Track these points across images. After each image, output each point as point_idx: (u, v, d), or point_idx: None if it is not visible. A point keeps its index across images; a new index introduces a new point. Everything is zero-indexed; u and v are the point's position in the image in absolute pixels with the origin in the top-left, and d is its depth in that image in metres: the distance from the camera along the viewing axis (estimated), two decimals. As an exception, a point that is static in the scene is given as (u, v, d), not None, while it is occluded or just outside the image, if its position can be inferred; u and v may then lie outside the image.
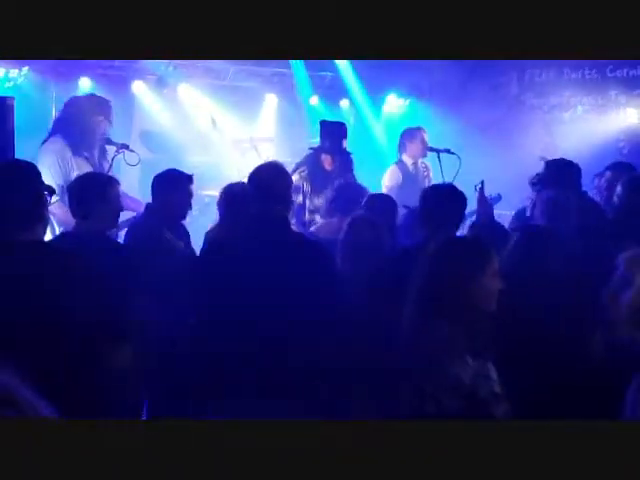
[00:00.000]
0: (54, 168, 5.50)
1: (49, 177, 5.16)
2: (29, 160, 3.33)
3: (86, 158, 5.70)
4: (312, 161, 6.45)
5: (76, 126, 5.70)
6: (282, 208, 3.72)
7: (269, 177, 3.74)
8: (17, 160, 3.55)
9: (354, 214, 4.56)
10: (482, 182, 5.25)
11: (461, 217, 4.22)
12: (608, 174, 5.48)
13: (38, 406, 1.06)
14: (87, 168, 5.47)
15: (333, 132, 6.63)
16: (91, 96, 6.12)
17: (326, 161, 6.49)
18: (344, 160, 6.52)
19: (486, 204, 5.20)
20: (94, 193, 3.96)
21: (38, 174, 3.12)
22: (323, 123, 6.90)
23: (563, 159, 5.30)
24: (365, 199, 5.11)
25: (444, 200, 4.12)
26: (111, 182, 4.18)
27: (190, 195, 4.61)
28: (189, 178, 4.62)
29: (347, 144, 6.60)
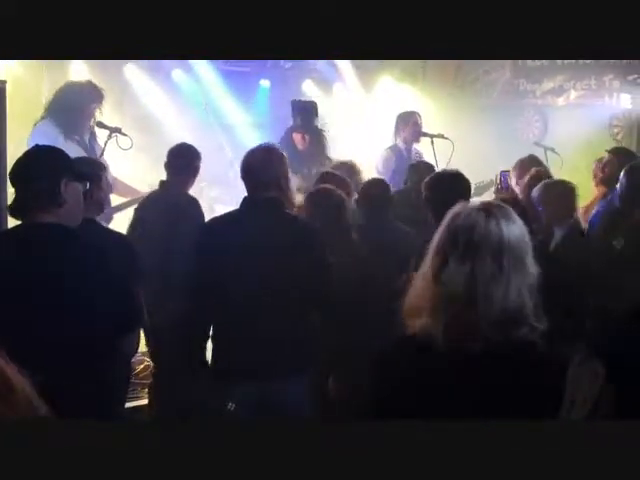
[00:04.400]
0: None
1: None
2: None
3: (77, 142, 5.67)
4: (284, 141, 6.35)
5: (69, 111, 5.67)
6: (269, 193, 3.62)
7: (251, 163, 3.66)
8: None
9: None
10: (504, 173, 4.79)
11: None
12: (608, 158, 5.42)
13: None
14: (79, 152, 5.44)
15: (303, 110, 6.58)
16: (87, 83, 6.06)
17: (297, 139, 6.41)
18: (316, 138, 6.44)
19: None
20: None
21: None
22: (294, 102, 6.85)
23: None
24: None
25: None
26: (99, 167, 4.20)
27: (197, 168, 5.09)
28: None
29: (319, 122, 6.53)
